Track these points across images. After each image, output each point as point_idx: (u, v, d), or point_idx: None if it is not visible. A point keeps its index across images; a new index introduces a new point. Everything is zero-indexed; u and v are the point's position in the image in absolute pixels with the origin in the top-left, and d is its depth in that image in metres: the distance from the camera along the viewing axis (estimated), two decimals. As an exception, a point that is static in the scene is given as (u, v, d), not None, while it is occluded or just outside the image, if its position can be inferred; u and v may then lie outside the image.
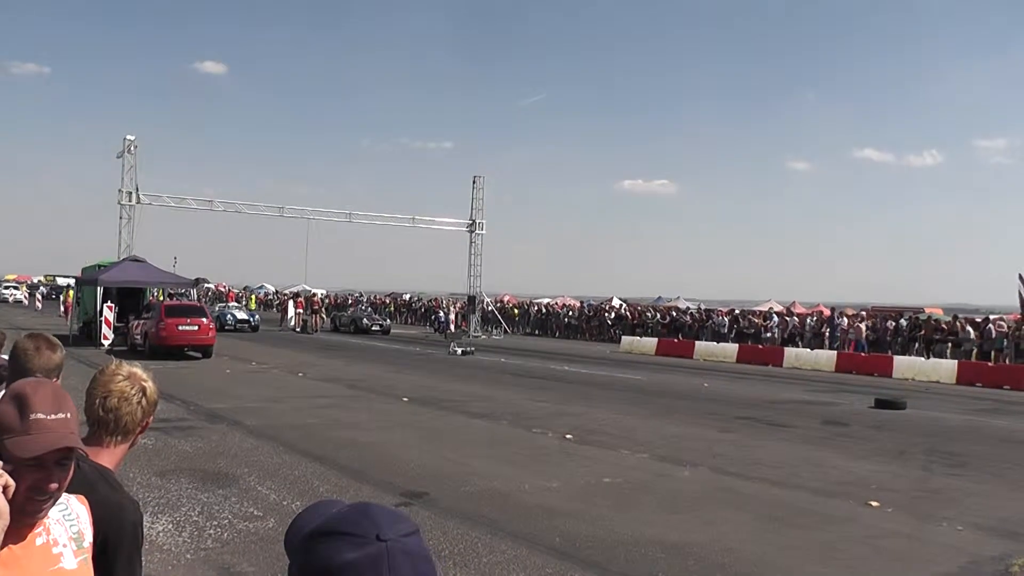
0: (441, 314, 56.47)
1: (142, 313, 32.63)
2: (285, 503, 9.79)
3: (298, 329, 50.99)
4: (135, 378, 2.86)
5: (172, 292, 41.53)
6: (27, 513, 2.08)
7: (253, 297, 78.97)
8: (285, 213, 50.44)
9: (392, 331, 52.11)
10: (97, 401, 2.80)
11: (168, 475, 11.01)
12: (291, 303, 55.07)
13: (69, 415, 2.15)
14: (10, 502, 1.97)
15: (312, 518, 1.43)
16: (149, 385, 2.89)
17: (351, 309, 59.38)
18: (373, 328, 51.25)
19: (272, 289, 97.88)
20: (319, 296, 63.55)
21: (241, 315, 50.73)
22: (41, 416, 2.08)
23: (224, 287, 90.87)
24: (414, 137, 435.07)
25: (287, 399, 19.33)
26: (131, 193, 43.96)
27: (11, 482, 1.98)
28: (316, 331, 49.86)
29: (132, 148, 43.79)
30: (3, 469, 1.99)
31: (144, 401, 2.85)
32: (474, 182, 53.77)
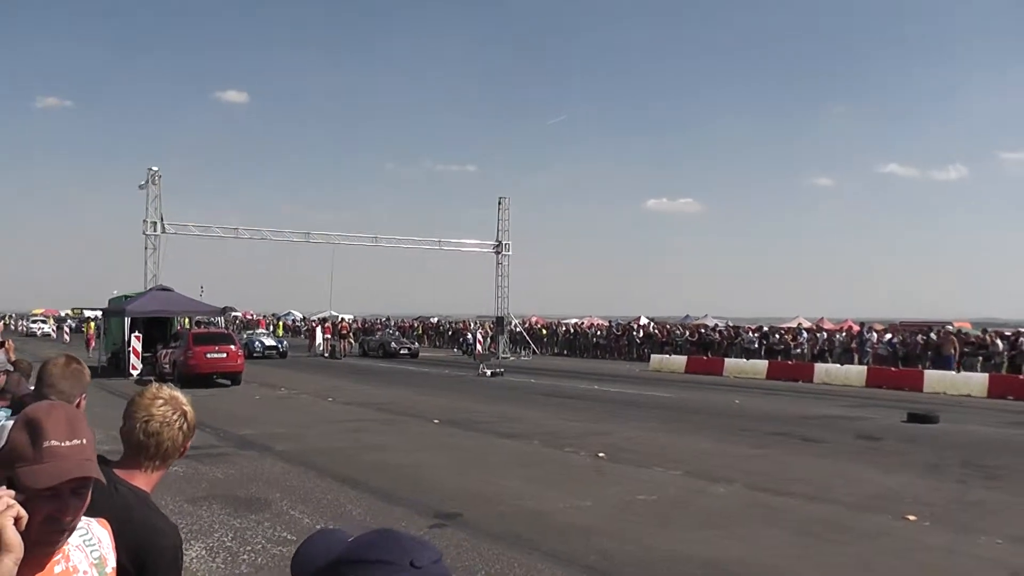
0: (469, 336, 56.43)
1: (170, 342, 32.79)
2: (318, 527, 9.77)
3: (326, 354, 51.03)
4: (176, 402, 2.85)
5: (199, 321, 41.69)
6: (42, 544, 1.98)
7: (281, 324, 79.32)
8: (311, 239, 50.62)
9: (420, 354, 52.14)
10: (138, 425, 2.78)
11: (200, 502, 11.02)
12: (319, 329, 55.19)
13: (85, 441, 2.04)
14: (24, 533, 1.86)
15: (322, 548, 1.40)
16: (189, 410, 2.88)
17: (379, 333, 59.16)
18: (401, 351, 51.13)
19: (299, 315, 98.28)
20: (347, 321, 63.68)
21: (269, 342, 50.75)
22: (55, 443, 1.98)
23: (251, 315, 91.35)
24: (437, 160, 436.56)
25: (317, 424, 19.35)
26: (156, 223, 44.20)
27: (23, 513, 1.87)
28: (344, 356, 49.89)
29: (156, 178, 44.10)
30: (16, 499, 1.88)
31: (185, 426, 2.84)
32: (499, 203, 53.79)
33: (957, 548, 9.32)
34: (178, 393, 2.91)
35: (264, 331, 61.19)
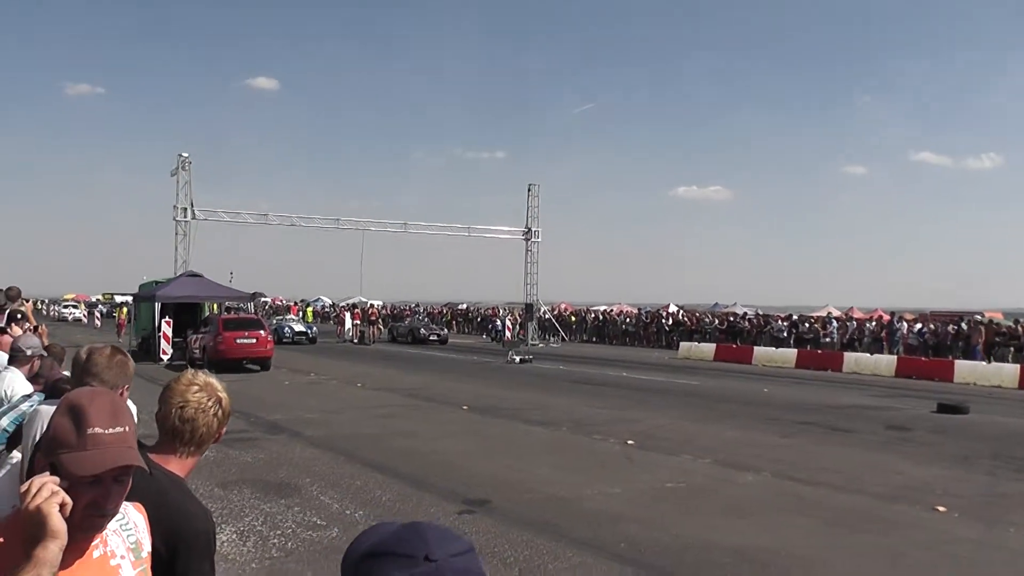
0: (498, 323, 56.50)
1: (200, 327, 32.99)
2: (348, 512, 9.85)
3: (355, 340, 51.09)
4: (211, 389, 2.88)
5: (229, 307, 41.94)
6: (83, 529, 2.00)
7: (310, 310, 79.67)
8: (341, 225, 50.77)
9: (449, 340, 52.24)
10: (174, 411, 2.81)
11: (230, 486, 11.12)
12: (348, 315, 55.34)
13: (127, 428, 2.06)
14: (67, 519, 1.89)
15: (364, 541, 1.42)
16: (224, 396, 2.91)
17: (408, 320, 59.47)
18: (431, 338, 51.23)
19: (328, 301, 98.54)
20: (375, 307, 63.84)
21: (299, 327, 50.47)
22: (99, 431, 2.00)
23: (281, 301, 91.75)
24: (467, 147, 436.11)
25: (346, 410, 19.45)
26: (186, 209, 44.56)
27: (68, 500, 1.90)
28: (373, 342, 49.97)
29: (186, 165, 44.45)
30: (59, 486, 1.91)
31: (220, 412, 2.87)
32: (529, 190, 53.75)
33: (987, 540, 9.27)
34: (213, 380, 2.94)
35: (294, 317, 61.42)
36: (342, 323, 54.78)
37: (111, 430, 2.02)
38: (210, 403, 2.83)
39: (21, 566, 1.83)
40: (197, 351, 31.06)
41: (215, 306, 38.92)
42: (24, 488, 1.90)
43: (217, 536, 2.88)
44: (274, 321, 51.27)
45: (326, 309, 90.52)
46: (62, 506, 1.89)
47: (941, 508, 10.51)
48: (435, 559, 1.32)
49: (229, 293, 39.41)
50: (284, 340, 46.17)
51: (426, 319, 61.09)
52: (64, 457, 1.97)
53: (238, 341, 29.73)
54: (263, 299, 76.13)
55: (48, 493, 1.88)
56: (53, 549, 1.86)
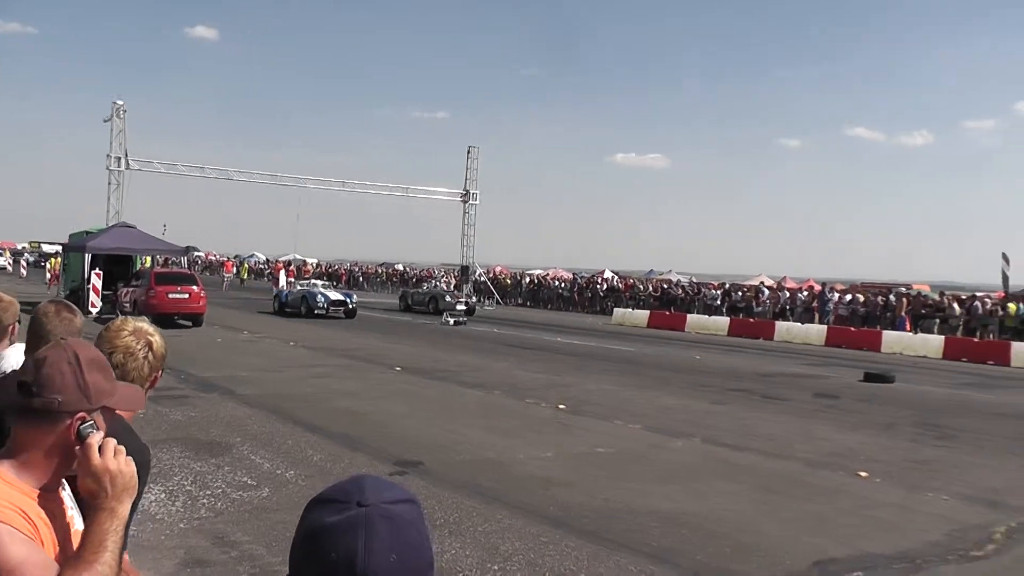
0: (434, 284, 56.36)
1: (131, 280, 32.36)
2: (279, 472, 9.79)
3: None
4: (140, 333, 2.82)
5: (168, 260, 40.99)
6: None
7: (245, 265, 78.78)
8: (279, 181, 50.14)
9: (383, 302, 51.66)
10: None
11: (160, 444, 10.94)
12: (282, 272, 54.77)
13: None
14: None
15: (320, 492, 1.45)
16: (156, 340, 2.85)
17: (426, 285, 52.51)
18: (457, 307, 41.87)
19: (263, 257, 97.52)
20: (311, 265, 63.30)
21: (335, 295, 38.42)
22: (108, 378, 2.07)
23: (215, 256, 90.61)
24: (411, 106, 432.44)
25: (280, 369, 19.31)
26: (120, 159, 43.56)
27: (121, 447, 1.98)
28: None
29: (121, 113, 43.42)
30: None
31: (151, 356, 2.81)
32: (468, 152, 53.48)
33: (907, 504, 9.54)
34: (145, 324, 2.88)
35: (325, 282, 48.76)
36: (276, 280, 54.16)
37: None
38: (139, 346, 2.78)
39: (99, 519, 1.91)
40: (128, 304, 30.45)
41: (148, 260, 38.20)
42: (94, 445, 1.94)
43: (145, 496, 2.85)
44: (299, 286, 41.28)
45: (260, 265, 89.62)
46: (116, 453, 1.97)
47: (863, 473, 10.78)
48: (366, 504, 1.36)
49: (162, 246, 38.58)
50: (316, 312, 36.40)
51: (450, 286, 51.98)
52: (109, 402, 2.04)
53: (170, 296, 29.20)
54: (196, 253, 75.16)
55: (115, 451, 1.96)
56: (128, 503, 1.97)
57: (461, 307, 42.09)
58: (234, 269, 70.43)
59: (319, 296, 37.19)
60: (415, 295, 46.87)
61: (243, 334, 27.86)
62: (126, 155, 43.77)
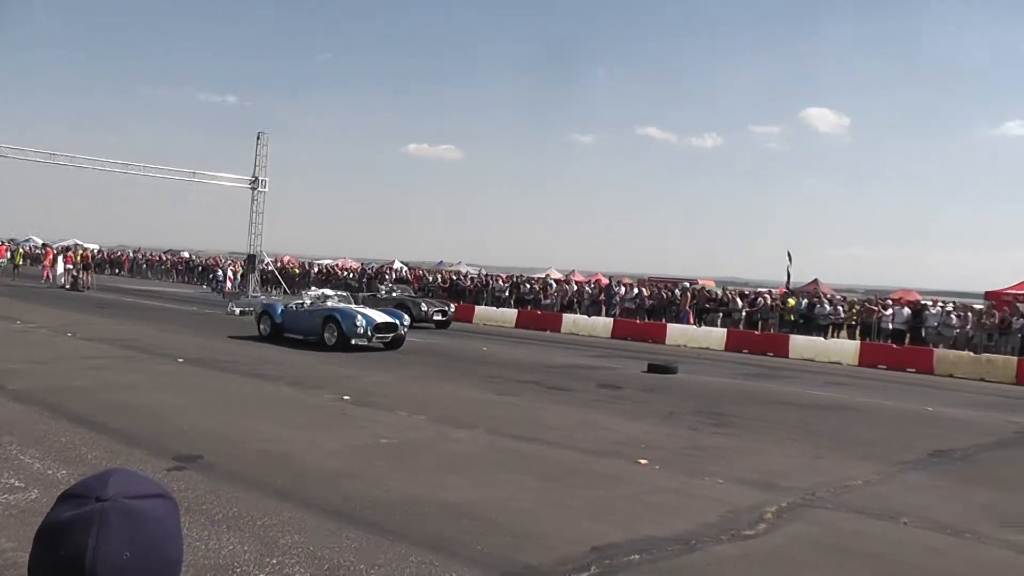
0: (219, 273, 54.75)
1: None
2: (50, 472, 9.11)
3: (67, 286, 47.82)
4: None
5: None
6: None
7: (20, 250, 74.32)
8: (56, 160, 47.40)
9: (172, 291, 49.86)
10: None
11: (-94, 441, 10.12)
12: (60, 258, 51.90)
13: None
14: None
15: None
16: None
17: (386, 288, 39.17)
18: (435, 317, 33.85)
19: (39, 242, 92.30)
20: (91, 251, 60.38)
21: (380, 318, 24.03)
22: None
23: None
24: (198, 89, 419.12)
25: (55, 360, 18.14)
26: None
27: None
28: (87, 288, 46.95)
29: None
30: None
31: None
32: (258, 138, 52.01)
33: (684, 489, 9.80)
34: None
35: (343, 293, 29.08)
36: (48, 268, 51.21)
37: None
38: None
39: None
40: None
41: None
42: None
43: None
44: (307, 299, 26.24)
45: (37, 250, 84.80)
46: None
47: (644, 461, 11.00)
48: (105, 499, 1.32)
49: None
50: (355, 342, 23.10)
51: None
52: None
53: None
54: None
55: None
56: None
57: (439, 316, 33.91)
58: (8, 254, 66.32)
59: (358, 318, 23.36)
60: (385, 303, 31.87)
61: (15, 324, 26.10)
62: None
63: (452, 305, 36.51)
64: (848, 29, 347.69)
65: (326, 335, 23.32)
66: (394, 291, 37.03)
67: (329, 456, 10.55)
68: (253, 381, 16.64)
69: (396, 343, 24.24)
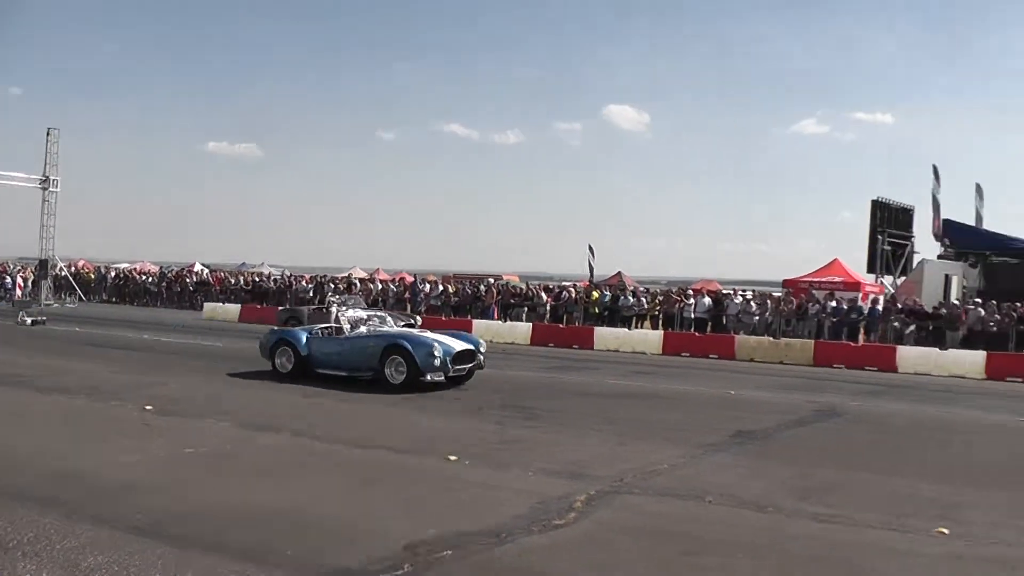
0: (7, 280, 51.97)
1: None
2: None
3: None
4: None
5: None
6: None
7: None
8: None
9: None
10: None
11: None
12: None
13: None
14: None
15: None
16: None
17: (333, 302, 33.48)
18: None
19: None
20: None
21: (459, 345, 18.88)
22: None
23: None
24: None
25: None
26: None
27: None
28: None
29: None
30: None
31: None
32: (48, 134, 49.61)
33: (494, 483, 10.00)
34: None
35: (396, 313, 26.75)
36: None
37: None
38: None
39: None
40: None
41: None
42: None
43: None
44: (345, 321, 19.76)
45: None
46: None
47: (453, 457, 11.14)
48: None
49: None
50: (432, 377, 17.89)
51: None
52: None
53: None
54: None
55: None
56: None
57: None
58: None
59: (435, 348, 18.04)
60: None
61: None
62: None
63: (419, 318, 29.81)
64: (652, 31, 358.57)
65: (389, 371, 17.91)
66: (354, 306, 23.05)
67: (131, 469, 10.19)
68: (48, 395, 15.87)
69: (470, 375, 19.36)
